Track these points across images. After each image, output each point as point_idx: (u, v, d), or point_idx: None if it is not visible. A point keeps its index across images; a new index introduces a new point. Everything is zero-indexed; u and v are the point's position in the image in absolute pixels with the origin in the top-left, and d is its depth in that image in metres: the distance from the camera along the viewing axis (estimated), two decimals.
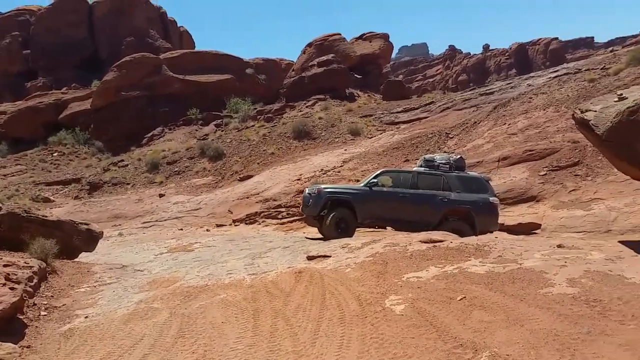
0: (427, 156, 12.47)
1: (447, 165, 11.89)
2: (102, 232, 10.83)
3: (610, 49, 54.17)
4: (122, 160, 33.48)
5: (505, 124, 20.12)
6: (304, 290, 6.15)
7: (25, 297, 6.10)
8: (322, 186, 11.96)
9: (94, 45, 50.53)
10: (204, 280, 7.43)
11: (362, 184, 11.89)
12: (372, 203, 11.35)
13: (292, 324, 5.08)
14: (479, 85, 48.28)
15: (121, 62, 41.10)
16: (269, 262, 8.41)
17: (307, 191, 12.11)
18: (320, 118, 32.91)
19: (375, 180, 11.59)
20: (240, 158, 29.28)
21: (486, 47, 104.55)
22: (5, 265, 6.39)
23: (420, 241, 8.03)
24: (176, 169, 30.03)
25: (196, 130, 38.30)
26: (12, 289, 5.69)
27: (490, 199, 11.57)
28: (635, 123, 7.62)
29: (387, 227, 12.40)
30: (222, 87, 42.38)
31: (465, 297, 5.00)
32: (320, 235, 12.08)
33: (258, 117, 36.73)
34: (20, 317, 5.91)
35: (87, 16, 50.86)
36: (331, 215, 11.21)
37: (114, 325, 5.85)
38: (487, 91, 30.92)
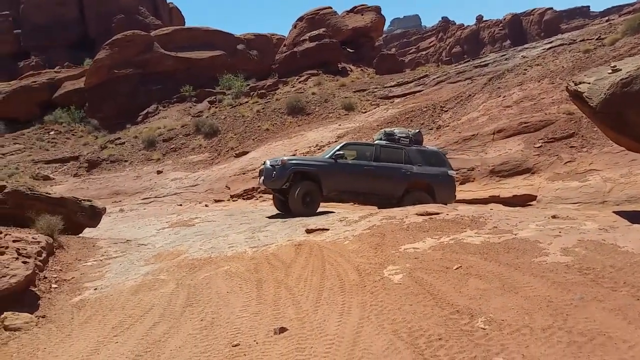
0: (387, 130, 12.40)
1: (407, 139, 11.94)
2: (105, 208, 10.95)
3: (606, 18, 53.88)
4: (119, 138, 33.54)
5: (500, 96, 20.16)
6: (305, 262, 6.28)
7: (36, 270, 6.30)
8: (286, 158, 11.36)
9: (84, 23, 49.91)
10: (207, 253, 7.58)
11: (326, 156, 11.46)
12: (338, 175, 11.06)
13: (295, 293, 5.23)
14: (473, 57, 48.10)
15: (113, 40, 40.70)
16: (269, 235, 8.53)
17: (268, 163, 11.33)
18: (313, 93, 32.84)
19: (340, 152, 11.27)
20: (235, 134, 29.29)
21: (480, 18, 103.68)
22: (14, 241, 6.57)
23: (416, 214, 8.17)
24: (172, 146, 30.08)
25: (190, 108, 38.22)
26: (24, 262, 5.92)
27: (449, 172, 11.78)
28: (628, 95, 7.71)
29: (349, 202, 12.19)
30: (214, 63, 42.13)
31: (461, 266, 5.12)
32: (276, 211, 11.92)
33: (251, 93, 36.60)
34: (33, 289, 6.13)
35: None
36: (298, 188, 10.76)
37: (123, 296, 6.03)
38: (482, 63, 30.80)
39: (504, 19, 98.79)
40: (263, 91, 36.39)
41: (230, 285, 5.78)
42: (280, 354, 3.94)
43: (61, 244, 8.42)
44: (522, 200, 12.30)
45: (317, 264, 6.12)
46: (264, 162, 11.76)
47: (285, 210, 11.60)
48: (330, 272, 5.70)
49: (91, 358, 4.51)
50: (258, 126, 29.52)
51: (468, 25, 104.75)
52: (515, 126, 16.37)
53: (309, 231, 8.36)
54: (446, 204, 11.33)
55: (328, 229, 8.26)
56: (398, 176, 11.38)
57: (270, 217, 11.22)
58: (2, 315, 5.32)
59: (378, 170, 11.30)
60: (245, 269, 6.35)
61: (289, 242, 7.53)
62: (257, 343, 4.21)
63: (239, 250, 7.54)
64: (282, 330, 4.37)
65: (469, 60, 37.15)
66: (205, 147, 28.78)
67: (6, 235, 6.86)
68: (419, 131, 12.65)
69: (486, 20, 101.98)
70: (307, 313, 4.67)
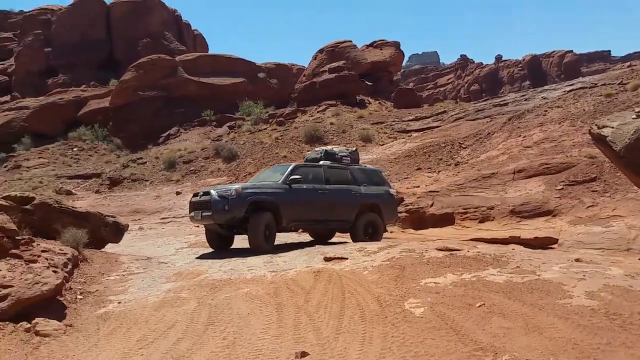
0: (327, 148, 11.57)
1: (349, 158, 11.33)
2: (128, 225, 11.09)
3: (628, 63, 53.93)
4: (141, 158, 34.07)
5: (520, 136, 20.15)
6: (324, 289, 6.29)
7: (63, 281, 6.46)
8: (237, 186, 9.77)
9: (111, 45, 51.34)
10: (226, 275, 7.64)
11: (278, 182, 10.11)
12: (295, 203, 9.97)
13: (315, 319, 5.26)
14: (492, 95, 48.34)
15: (139, 63, 41.79)
16: (287, 261, 8.55)
17: (215, 194, 9.55)
18: (331, 123, 33.16)
19: (296, 177, 10.06)
20: (253, 160, 29.58)
21: (499, 58, 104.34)
22: (43, 251, 6.75)
23: (436, 249, 8.19)
24: (192, 168, 30.45)
25: (210, 132, 38.83)
26: (54, 272, 6.08)
27: (391, 190, 11.55)
28: None
29: (300, 231, 11.13)
30: (235, 90, 43.06)
31: (484, 304, 5.10)
32: (210, 249, 10.40)
33: (270, 120, 37.09)
34: (60, 299, 6.28)
35: (105, 17, 51.77)
36: (259, 221, 9.47)
37: (146, 311, 6.12)
38: (501, 102, 30.89)
39: (523, 60, 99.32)
40: (282, 119, 36.83)
41: (251, 307, 5.82)
42: None
43: (85, 257, 8.57)
44: (543, 243, 12.02)
45: (336, 292, 6.14)
46: (206, 192, 10.07)
47: (223, 247, 10.42)
48: (350, 301, 5.71)
49: None
50: (276, 153, 29.80)
51: (487, 64, 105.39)
52: (536, 167, 16.24)
53: (327, 259, 8.36)
54: (390, 223, 11.21)
55: (347, 258, 8.25)
56: (351, 198, 10.70)
57: (286, 242, 11.02)
58: (34, 321, 5.49)
59: (332, 193, 10.46)
60: (265, 292, 6.39)
61: (307, 269, 7.54)
62: None
63: (258, 273, 7.58)
64: (304, 354, 4.39)
65: (488, 99, 37.33)
66: (223, 171, 29.07)
67: (37, 244, 7.04)
68: (356, 149, 12.25)
69: (505, 60, 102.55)
70: (328, 339, 4.69)
